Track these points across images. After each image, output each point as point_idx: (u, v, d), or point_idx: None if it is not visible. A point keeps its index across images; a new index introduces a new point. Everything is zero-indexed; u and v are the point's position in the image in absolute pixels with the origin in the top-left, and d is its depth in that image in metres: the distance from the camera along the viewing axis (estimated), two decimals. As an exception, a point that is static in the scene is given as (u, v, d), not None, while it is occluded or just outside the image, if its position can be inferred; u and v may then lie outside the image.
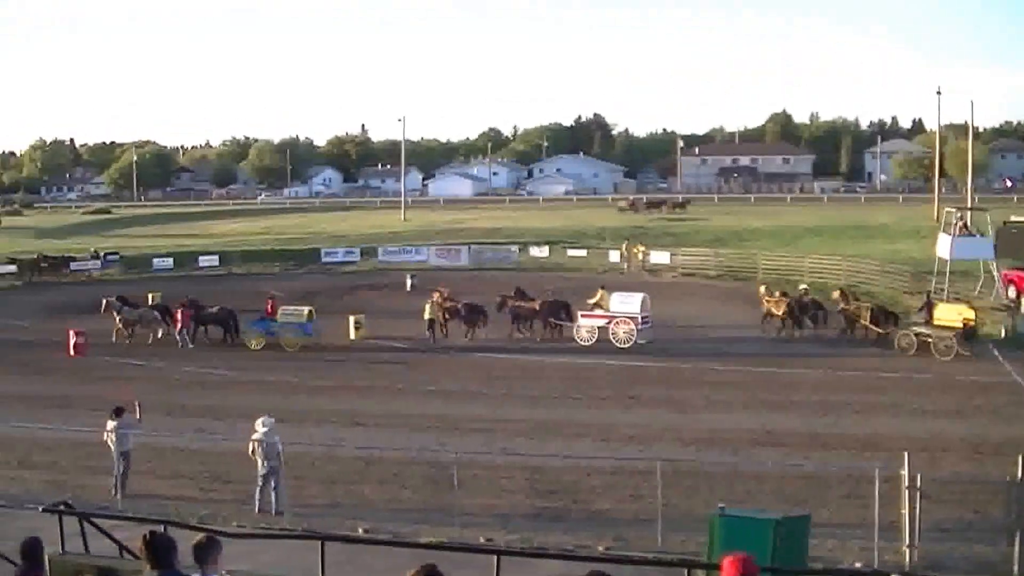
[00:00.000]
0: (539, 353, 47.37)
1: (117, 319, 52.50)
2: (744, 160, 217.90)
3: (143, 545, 9.99)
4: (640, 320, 48.82)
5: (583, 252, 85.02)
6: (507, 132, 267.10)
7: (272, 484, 25.27)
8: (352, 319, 52.34)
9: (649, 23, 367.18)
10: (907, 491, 20.91)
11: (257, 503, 25.40)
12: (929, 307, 46.96)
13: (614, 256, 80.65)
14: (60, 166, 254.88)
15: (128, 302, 54.02)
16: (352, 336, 51.67)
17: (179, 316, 51.97)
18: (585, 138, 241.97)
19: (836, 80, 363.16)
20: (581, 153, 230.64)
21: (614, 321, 48.93)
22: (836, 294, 51.27)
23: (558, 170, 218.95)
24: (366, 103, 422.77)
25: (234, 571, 11.19)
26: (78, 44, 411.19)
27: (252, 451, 25.65)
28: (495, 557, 12.76)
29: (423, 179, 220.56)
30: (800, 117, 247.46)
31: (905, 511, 20.99)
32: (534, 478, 27.77)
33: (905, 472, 20.93)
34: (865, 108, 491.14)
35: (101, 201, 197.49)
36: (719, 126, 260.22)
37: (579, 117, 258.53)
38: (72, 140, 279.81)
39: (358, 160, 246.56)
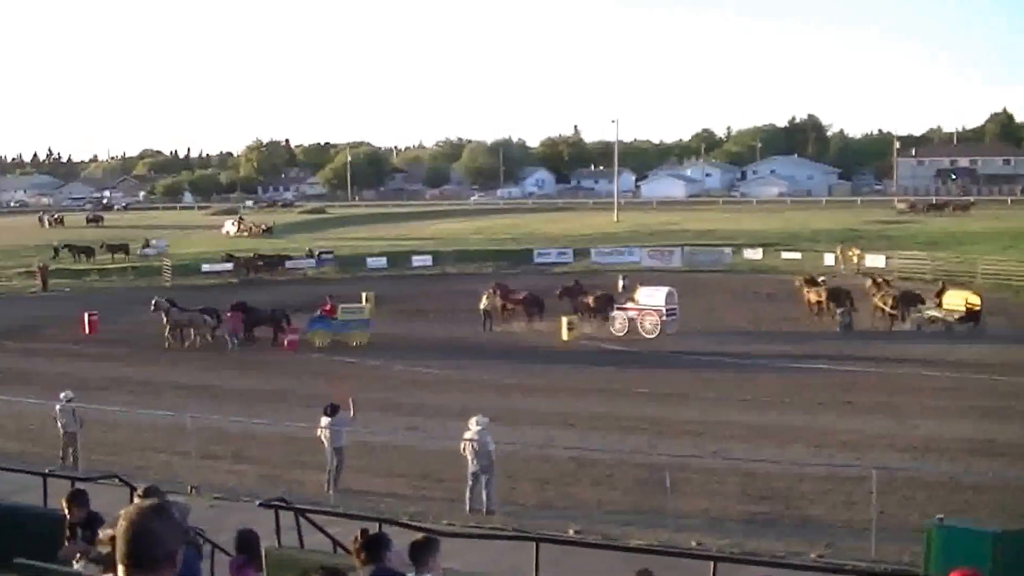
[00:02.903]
0: (750, 357, 46.86)
1: (165, 320, 52.77)
2: (963, 161, 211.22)
3: (355, 541, 10.14)
4: (665, 312, 52.85)
5: (797, 255, 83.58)
6: (720, 133, 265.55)
7: (483, 483, 25.37)
8: (565, 320, 52.71)
9: (864, 24, 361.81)
10: None
11: (468, 502, 25.48)
12: (941, 293, 53.02)
13: (829, 259, 79.25)
14: (275, 166, 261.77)
15: (176, 303, 53.94)
16: (565, 337, 51.94)
17: (228, 318, 52.52)
18: (799, 139, 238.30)
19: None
20: (795, 154, 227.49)
21: (641, 313, 53.07)
22: (869, 282, 56.07)
23: (772, 171, 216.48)
24: (579, 104, 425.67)
25: (446, 569, 11.28)
26: (294, 48, 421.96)
27: (464, 450, 25.81)
28: (711, 563, 12.67)
29: (636, 180, 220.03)
30: (1022, 116, 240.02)
31: None
32: (746, 482, 27.43)
33: None
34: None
35: (315, 201, 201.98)
36: (936, 126, 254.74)
37: (793, 118, 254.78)
38: (287, 141, 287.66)
39: (571, 161, 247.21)
